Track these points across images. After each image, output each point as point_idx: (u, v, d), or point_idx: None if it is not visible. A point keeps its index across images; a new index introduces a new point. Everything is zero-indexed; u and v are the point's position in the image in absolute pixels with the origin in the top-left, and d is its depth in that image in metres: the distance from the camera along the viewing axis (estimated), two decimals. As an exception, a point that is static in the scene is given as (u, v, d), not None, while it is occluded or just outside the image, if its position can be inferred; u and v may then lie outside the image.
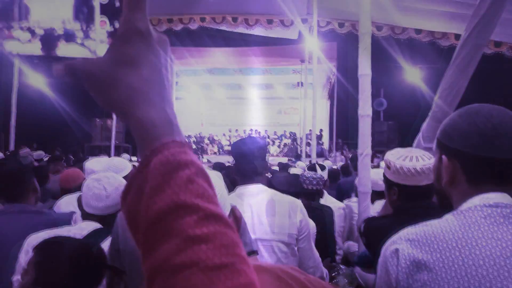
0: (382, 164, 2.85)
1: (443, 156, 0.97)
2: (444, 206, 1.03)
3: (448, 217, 0.91)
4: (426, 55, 10.55)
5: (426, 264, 0.84)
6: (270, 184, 2.17)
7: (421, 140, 2.26)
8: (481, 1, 1.92)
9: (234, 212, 1.11)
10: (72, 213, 2.00)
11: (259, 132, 18.79)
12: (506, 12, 5.27)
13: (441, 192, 1.01)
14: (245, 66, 16.26)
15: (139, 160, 0.43)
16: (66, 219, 1.89)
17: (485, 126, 0.89)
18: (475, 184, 0.92)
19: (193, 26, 9.00)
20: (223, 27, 9.19)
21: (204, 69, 16.68)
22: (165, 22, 8.82)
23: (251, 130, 18.92)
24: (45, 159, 6.96)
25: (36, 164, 6.25)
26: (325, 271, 1.99)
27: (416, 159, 1.54)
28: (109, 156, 7.98)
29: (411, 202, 1.57)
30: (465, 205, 0.91)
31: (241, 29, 9.25)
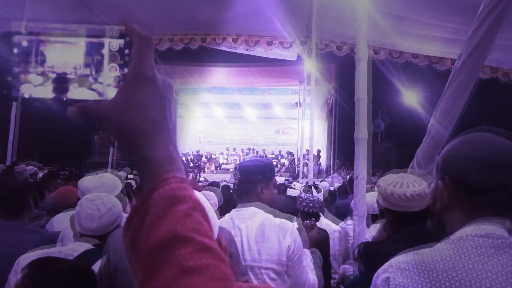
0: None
1: (440, 182, 0.97)
2: (439, 230, 1.03)
3: (440, 246, 0.90)
4: (423, 78, 10.69)
5: None
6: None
7: (415, 165, 2.27)
8: (474, 30, 1.97)
9: (220, 241, 1.09)
10: (59, 232, 1.98)
11: (257, 151, 18.80)
12: (503, 40, 5.38)
13: (438, 216, 1.01)
14: (244, 86, 16.37)
15: (142, 192, 0.46)
16: (56, 239, 1.87)
17: (486, 157, 0.90)
18: (470, 213, 0.92)
19: (194, 45, 9.10)
20: (224, 48, 9.29)
21: (203, 88, 16.79)
22: (166, 41, 8.93)
23: (248, 149, 18.93)
24: (40, 175, 6.91)
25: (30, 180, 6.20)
26: None
27: (406, 185, 1.55)
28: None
29: (404, 227, 1.56)
30: (458, 234, 0.91)
31: (241, 50, 9.35)
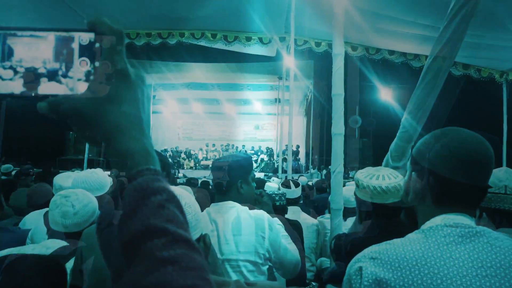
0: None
1: (413, 173, 1.00)
2: (412, 223, 1.06)
3: (411, 236, 0.93)
4: (399, 75, 10.90)
5: (387, 282, 0.86)
6: None
7: (390, 159, 2.33)
8: (444, 28, 2.03)
9: (204, 239, 1.10)
10: (29, 230, 1.94)
11: (237, 147, 18.78)
12: (474, 37, 5.52)
13: (410, 209, 1.05)
14: (223, 82, 16.30)
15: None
16: (24, 236, 1.83)
17: (458, 151, 0.93)
18: (440, 204, 0.95)
19: (172, 41, 8.99)
20: (202, 43, 9.21)
21: (182, 83, 16.61)
22: (143, 36, 8.79)
23: (228, 145, 18.89)
24: (13, 173, 6.71)
25: (3, 177, 6.02)
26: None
27: (382, 178, 1.59)
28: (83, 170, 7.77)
29: (379, 220, 1.61)
30: (428, 224, 0.94)
31: (220, 45, 9.29)
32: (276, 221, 1.79)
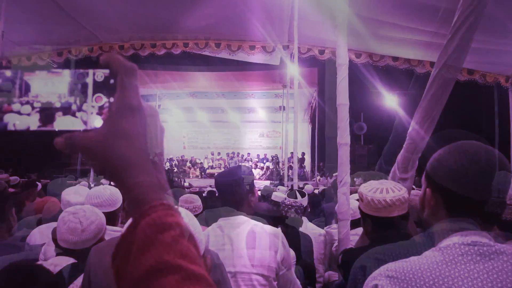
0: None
1: (428, 189, 0.99)
2: (426, 235, 1.04)
3: (428, 254, 0.92)
4: (403, 82, 10.88)
5: None
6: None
7: (397, 170, 2.31)
8: (449, 39, 2.02)
9: (205, 260, 1.09)
10: (42, 245, 1.93)
11: (242, 155, 18.79)
12: (479, 43, 5.51)
13: (426, 223, 1.03)
14: (228, 90, 16.35)
15: (129, 222, 0.46)
16: (37, 253, 1.83)
17: (471, 166, 0.91)
18: (456, 220, 0.94)
19: (176, 51, 9.06)
20: (206, 52, 9.27)
21: (186, 92, 16.70)
22: (148, 47, 8.88)
23: (233, 153, 18.90)
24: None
25: (11, 190, 6.04)
26: None
27: (386, 191, 1.58)
28: (88, 182, 7.80)
29: (384, 233, 1.59)
30: (445, 242, 0.92)
31: (223, 55, 9.35)
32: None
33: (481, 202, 0.92)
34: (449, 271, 0.85)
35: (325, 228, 3.49)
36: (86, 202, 2.02)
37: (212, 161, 18.89)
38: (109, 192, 2.14)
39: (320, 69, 13.17)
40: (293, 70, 8.29)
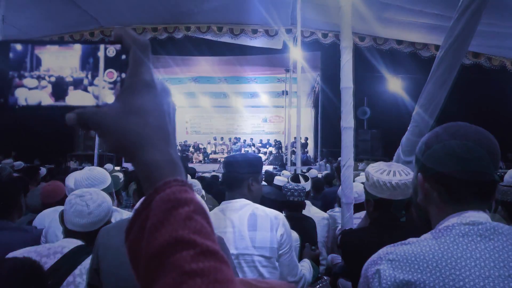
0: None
1: (419, 174, 0.99)
2: (422, 219, 1.04)
3: (427, 236, 0.91)
4: (408, 65, 10.77)
5: (408, 285, 0.83)
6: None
7: (401, 154, 2.31)
8: (455, 20, 1.99)
9: None
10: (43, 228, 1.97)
11: (245, 140, 18.80)
12: (484, 25, 5.43)
13: (420, 207, 1.03)
14: (230, 75, 16.25)
15: (143, 198, 0.46)
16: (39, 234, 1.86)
17: (460, 149, 0.91)
18: (451, 203, 0.93)
19: (178, 35, 8.99)
20: (208, 37, 9.19)
21: (189, 77, 16.61)
22: (149, 31, 8.81)
23: (236, 138, 18.91)
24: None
25: (15, 174, 6.10)
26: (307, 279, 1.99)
27: (393, 174, 1.58)
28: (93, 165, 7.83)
29: (385, 215, 1.60)
30: (444, 224, 0.92)
31: (226, 39, 9.26)
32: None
33: (473, 183, 0.91)
34: (451, 252, 0.84)
35: (328, 211, 3.52)
36: (76, 188, 2.05)
37: (215, 146, 18.91)
38: (96, 172, 2.22)
39: (323, 53, 13.06)
40: (296, 54, 8.22)
